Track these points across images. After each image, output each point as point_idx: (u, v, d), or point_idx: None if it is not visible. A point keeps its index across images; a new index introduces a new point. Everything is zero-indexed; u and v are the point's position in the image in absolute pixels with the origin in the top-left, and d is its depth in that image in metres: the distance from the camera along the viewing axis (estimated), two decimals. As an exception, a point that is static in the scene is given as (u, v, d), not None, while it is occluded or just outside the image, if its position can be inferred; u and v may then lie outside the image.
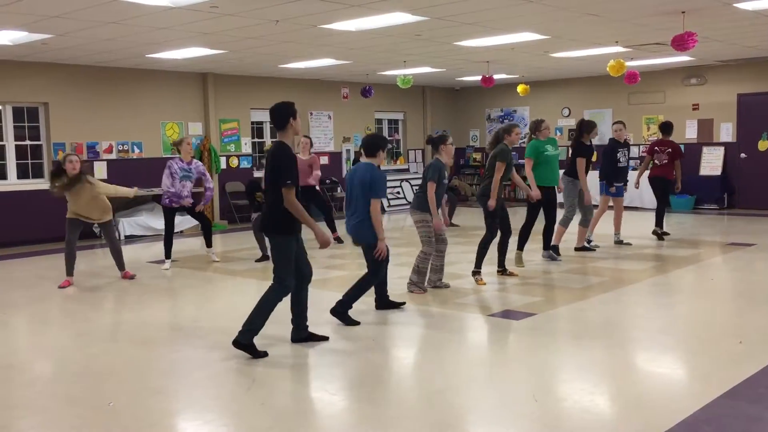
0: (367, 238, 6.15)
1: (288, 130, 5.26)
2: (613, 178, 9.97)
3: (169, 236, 9.33)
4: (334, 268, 8.94)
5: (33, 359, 5.63)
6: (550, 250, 9.11)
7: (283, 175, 5.13)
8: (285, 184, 5.12)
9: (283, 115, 5.24)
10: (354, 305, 6.26)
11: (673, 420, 3.89)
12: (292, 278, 5.31)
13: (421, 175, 17.66)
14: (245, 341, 5.23)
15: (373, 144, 6.25)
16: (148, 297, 7.60)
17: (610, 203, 10.15)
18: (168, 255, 9.34)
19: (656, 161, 10.79)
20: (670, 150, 10.66)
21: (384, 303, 6.66)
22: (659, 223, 10.74)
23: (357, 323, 6.14)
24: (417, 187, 17.26)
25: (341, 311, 6.19)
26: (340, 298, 6.23)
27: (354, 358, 5.40)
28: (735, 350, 5.24)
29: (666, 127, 10.91)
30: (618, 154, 9.87)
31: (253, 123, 14.85)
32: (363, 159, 6.33)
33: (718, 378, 4.60)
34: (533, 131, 8.83)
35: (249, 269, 9.08)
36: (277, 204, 5.18)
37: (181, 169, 9.14)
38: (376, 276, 6.30)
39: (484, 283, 7.68)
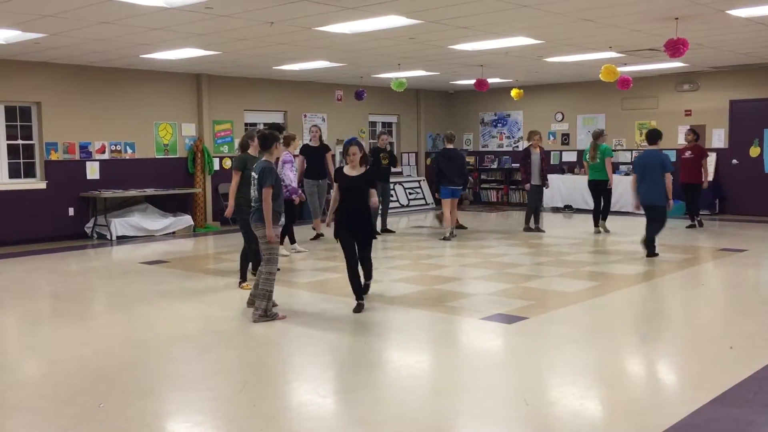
0: (660, 200, 9.12)
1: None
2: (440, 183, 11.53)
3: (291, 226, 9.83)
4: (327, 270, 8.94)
5: (23, 359, 5.60)
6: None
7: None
8: None
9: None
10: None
11: (663, 425, 3.91)
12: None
13: (414, 178, 17.83)
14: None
15: (652, 134, 9.37)
16: (139, 298, 7.56)
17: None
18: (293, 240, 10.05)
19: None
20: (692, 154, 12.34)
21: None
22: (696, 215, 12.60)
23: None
24: (409, 191, 17.44)
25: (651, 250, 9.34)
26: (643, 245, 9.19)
27: (345, 361, 5.40)
28: (726, 355, 5.26)
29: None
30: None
31: (246, 124, 14.80)
32: (648, 146, 9.43)
33: (709, 383, 4.62)
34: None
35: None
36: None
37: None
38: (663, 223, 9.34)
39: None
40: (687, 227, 12.53)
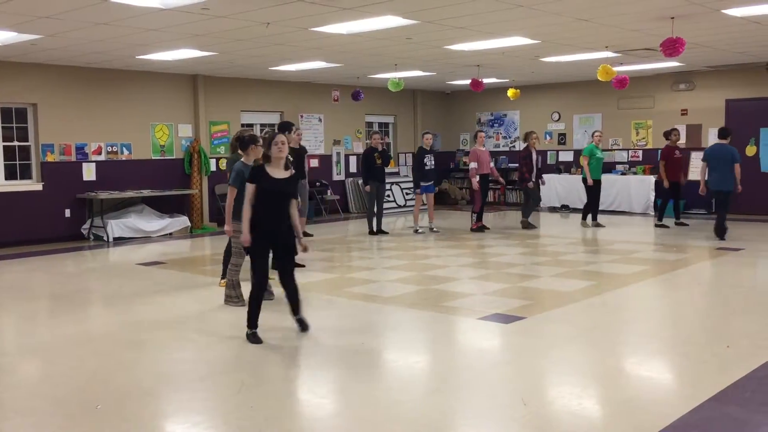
0: (728, 186, 10.63)
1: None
2: (421, 179, 12.10)
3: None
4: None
5: (21, 360, 5.59)
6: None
7: None
8: None
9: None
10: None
11: (661, 423, 3.91)
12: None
13: (411, 179, 17.83)
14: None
15: (723, 131, 10.76)
16: (136, 299, 7.55)
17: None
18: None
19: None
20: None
21: None
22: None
23: None
24: (407, 191, 17.44)
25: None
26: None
27: (343, 361, 5.39)
28: (723, 354, 5.27)
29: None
30: (425, 159, 12.03)
31: (243, 125, 14.78)
32: (718, 141, 10.84)
33: (706, 382, 4.63)
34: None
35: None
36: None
37: None
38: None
39: None
40: (662, 224, 12.74)
